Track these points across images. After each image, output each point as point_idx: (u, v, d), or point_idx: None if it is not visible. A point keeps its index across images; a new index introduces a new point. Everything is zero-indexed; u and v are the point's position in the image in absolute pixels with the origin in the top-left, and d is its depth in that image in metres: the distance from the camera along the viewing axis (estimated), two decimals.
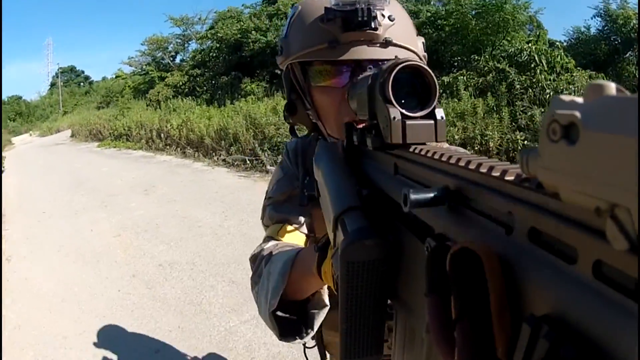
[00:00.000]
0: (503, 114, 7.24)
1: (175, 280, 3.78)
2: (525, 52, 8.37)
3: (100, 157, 12.28)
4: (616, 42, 10.50)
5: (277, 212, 0.99)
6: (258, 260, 0.93)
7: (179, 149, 11.20)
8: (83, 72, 48.86)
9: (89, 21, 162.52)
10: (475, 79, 8.65)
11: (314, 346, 1.13)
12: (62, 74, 46.60)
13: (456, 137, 6.81)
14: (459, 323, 0.27)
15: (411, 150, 0.43)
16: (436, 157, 0.37)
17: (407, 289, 0.44)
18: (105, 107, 23.70)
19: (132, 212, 6.01)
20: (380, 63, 0.77)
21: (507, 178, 0.27)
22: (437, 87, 0.46)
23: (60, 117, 30.78)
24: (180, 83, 16.76)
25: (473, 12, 10.57)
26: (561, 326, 0.21)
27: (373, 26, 0.79)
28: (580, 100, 0.19)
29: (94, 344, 2.97)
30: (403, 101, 0.45)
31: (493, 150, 6.65)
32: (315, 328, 0.84)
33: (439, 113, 0.45)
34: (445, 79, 8.65)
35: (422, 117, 0.45)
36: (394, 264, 0.45)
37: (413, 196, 0.31)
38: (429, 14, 11.58)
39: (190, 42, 20.46)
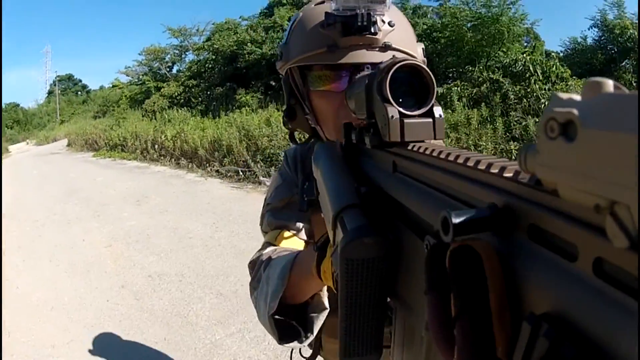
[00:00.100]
0: (497, 124, 7.27)
1: (164, 292, 3.81)
2: (519, 62, 8.45)
3: (95, 167, 12.31)
4: (613, 52, 10.63)
5: (275, 219, 0.99)
6: (257, 266, 0.93)
7: (173, 159, 11.24)
8: (81, 80, 48.99)
9: (88, 29, 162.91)
10: (470, 89, 8.70)
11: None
12: (60, 82, 46.62)
13: None
14: (459, 321, 0.27)
15: (409, 148, 0.43)
16: (434, 154, 0.37)
17: (407, 286, 0.44)
18: (101, 116, 23.73)
19: (124, 222, 6.04)
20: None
21: (505, 175, 0.27)
22: (435, 85, 0.46)
23: (58, 126, 30.78)
24: (176, 94, 16.85)
25: (469, 25, 10.65)
26: (561, 324, 0.21)
27: (373, 31, 0.79)
28: (578, 97, 0.19)
29: (81, 353, 3.00)
30: (401, 100, 0.45)
31: None
32: (315, 332, 0.83)
33: (437, 111, 0.46)
34: (439, 90, 8.73)
35: (420, 116, 0.45)
36: (394, 262, 0.45)
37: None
38: (425, 27, 11.65)
39: (187, 53, 20.59)
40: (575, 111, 0.18)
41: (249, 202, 6.58)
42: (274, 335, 0.83)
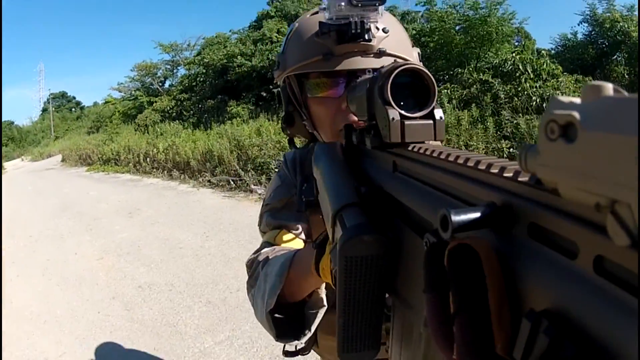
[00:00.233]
0: (488, 123, 7.26)
1: (154, 302, 3.84)
2: (509, 61, 8.47)
3: (89, 181, 12.32)
4: (604, 46, 10.63)
5: (274, 219, 1.00)
6: (254, 265, 0.93)
7: (165, 171, 11.26)
8: (74, 97, 49.15)
9: (80, 47, 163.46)
10: (460, 91, 8.71)
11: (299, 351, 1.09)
12: (54, 99, 46.74)
13: None
14: (458, 318, 0.27)
15: (410, 148, 0.43)
16: (435, 154, 0.37)
17: (406, 284, 0.44)
18: (95, 132, 23.72)
19: (115, 235, 6.08)
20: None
21: (505, 174, 0.27)
22: (436, 88, 0.46)
23: (52, 142, 30.75)
24: (168, 107, 16.93)
25: (457, 27, 10.71)
26: (561, 322, 0.21)
27: (367, 38, 0.81)
28: (577, 100, 0.20)
29: None
30: (402, 103, 0.46)
31: None
32: (313, 329, 0.83)
33: (438, 113, 0.46)
34: None
35: (421, 118, 0.46)
36: (393, 260, 0.45)
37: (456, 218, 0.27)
38: (414, 32, 11.70)
39: (179, 68, 20.68)
40: (575, 114, 0.19)
41: (240, 210, 6.65)
42: (271, 333, 0.83)
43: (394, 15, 0.94)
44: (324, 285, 0.81)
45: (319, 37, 0.83)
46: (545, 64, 8.24)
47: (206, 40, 18.20)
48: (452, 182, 0.34)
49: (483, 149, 6.82)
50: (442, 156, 0.36)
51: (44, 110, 47.01)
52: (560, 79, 7.94)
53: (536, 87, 7.80)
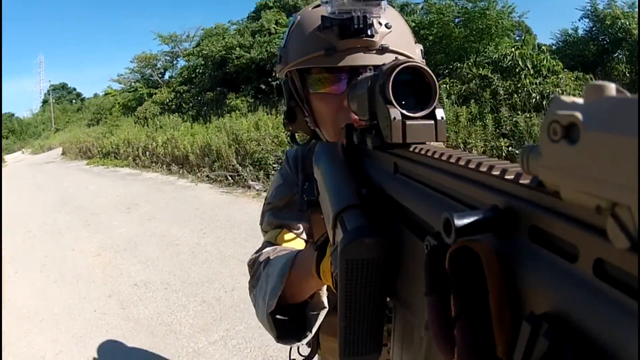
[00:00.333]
0: (487, 121, 7.19)
1: (149, 300, 3.86)
2: (509, 57, 8.39)
3: (88, 175, 12.36)
4: (605, 42, 10.49)
5: (276, 218, 1.00)
6: (256, 265, 0.93)
7: (164, 166, 11.28)
8: (75, 89, 49.05)
9: (80, 38, 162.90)
10: (459, 86, 8.65)
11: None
12: (54, 91, 46.66)
13: None
14: (459, 321, 0.28)
15: (411, 149, 0.43)
16: (436, 156, 0.37)
17: (407, 287, 0.44)
18: (95, 124, 23.75)
19: (113, 230, 6.10)
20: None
21: (507, 177, 0.27)
22: (437, 87, 0.46)
23: (52, 134, 30.80)
24: (167, 100, 16.91)
25: (456, 20, 10.62)
26: (561, 324, 0.21)
27: (369, 33, 0.79)
28: (580, 100, 0.19)
29: None
30: (403, 102, 0.45)
31: None
32: (314, 330, 0.83)
33: (439, 113, 0.45)
34: None
35: (422, 117, 0.45)
36: (394, 262, 0.45)
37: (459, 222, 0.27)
38: (413, 24, 11.54)
39: (178, 59, 20.64)
40: (578, 114, 0.19)
41: (237, 206, 6.68)
42: (272, 333, 0.83)
43: (393, 7, 0.92)
44: (325, 286, 0.81)
45: (321, 32, 0.82)
46: (545, 60, 8.16)
47: (205, 32, 18.10)
48: (454, 184, 0.34)
49: (482, 147, 6.78)
50: (444, 158, 0.35)
51: (45, 102, 46.95)
52: (560, 76, 7.85)
53: (536, 83, 7.71)
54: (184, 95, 16.68)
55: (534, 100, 7.40)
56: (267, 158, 8.23)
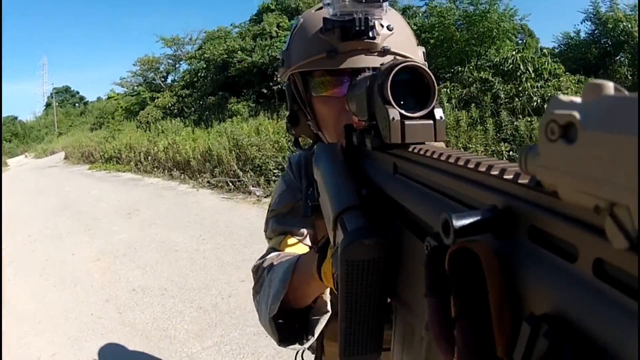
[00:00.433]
0: (487, 125, 7.15)
1: (146, 305, 3.88)
2: (510, 60, 8.30)
3: (90, 180, 12.40)
4: (607, 45, 10.35)
5: (280, 224, 0.99)
6: (260, 271, 0.93)
7: (166, 171, 11.29)
8: (78, 92, 49.22)
9: (83, 41, 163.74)
10: (459, 90, 8.58)
11: None
12: (57, 94, 46.80)
13: None
14: (459, 322, 0.28)
15: (410, 149, 0.43)
16: (435, 156, 0.37)
17: (407, 287, 0.44)
18: (98, 128, 23.75)
19: (113, 236, 6.12)
20: None
21: (506, 177, 0.27)
22: (436, 87, 0.46)
23: (55, 138, 30.92)
24: (170, 104, 16.93)
25: (457, 23, 10.55)
26: (561, 325, 0.21)
27: (371, 35, 0.79)
28: (578, 100, 0.19)
29: None
30: (402, 102, 0.45)
31: None
32: (316, 334, 0.83)
33: (438, 113, 0.45)
34: None
35: (421, 117, 0.45)
36: (394, 263, 0.45)
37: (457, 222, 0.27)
38: (415, 27, 11.40)
39: (181, 63, 20.65)
40: (575, 113, 0.18)
41: (238, 212, 6.69)
42: (274, 337, 0.83)
43: (395, 10, 0.92)
44: (328, 290, 0.81)
45: (323, 34, 0.82)
46: (547, 63, 8.09)
47: (207, 34, 18.06)
48: (452, 184, 0.34)
49: (482, 152, 6.71)
50: (443, 158, 0.35)
51: (48, 105, 47.02)
52: (561, 79, 7.79)
53: (537, 87, 7.65)
54: (186, 99, 16.69)
55: (535, 103, 7.34)
56: (267, 164, 8.23)
